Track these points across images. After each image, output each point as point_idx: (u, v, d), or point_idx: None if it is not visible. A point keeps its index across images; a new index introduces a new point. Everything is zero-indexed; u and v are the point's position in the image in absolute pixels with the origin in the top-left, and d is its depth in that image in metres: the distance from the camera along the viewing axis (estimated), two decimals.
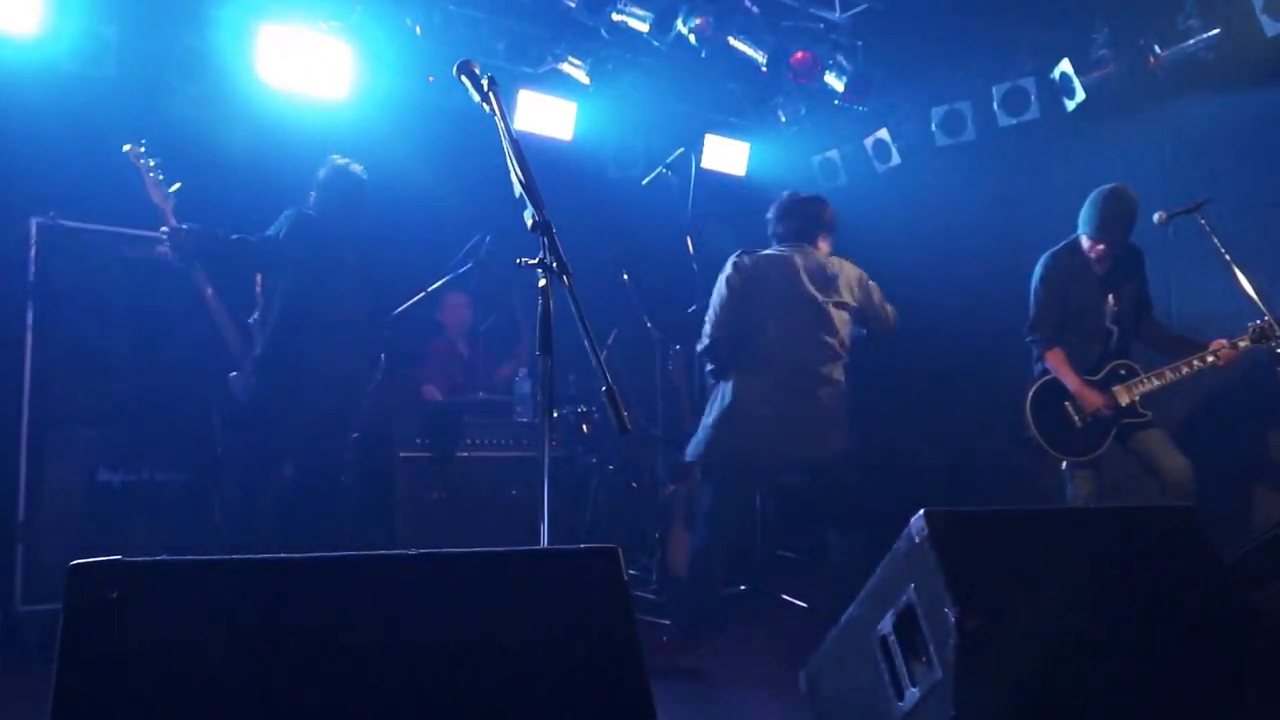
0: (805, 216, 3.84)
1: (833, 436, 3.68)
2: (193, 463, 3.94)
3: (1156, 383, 3.76)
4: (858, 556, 3.44)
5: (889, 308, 3.86)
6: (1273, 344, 3.48)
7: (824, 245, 3.85)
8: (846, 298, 3.75)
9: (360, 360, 4.00)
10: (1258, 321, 3.51)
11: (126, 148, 3.66)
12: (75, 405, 3.83)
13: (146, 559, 1.31)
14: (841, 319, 3.72)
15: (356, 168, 3.99)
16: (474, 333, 5.29)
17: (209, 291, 3.83)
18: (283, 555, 1.39)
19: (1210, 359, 3.64)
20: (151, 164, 3.66)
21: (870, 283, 3.84)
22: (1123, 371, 3.85)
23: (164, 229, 3.63)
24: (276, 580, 1.38)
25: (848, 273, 3.81)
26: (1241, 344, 3.55)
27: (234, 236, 3.69)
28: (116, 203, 3.89)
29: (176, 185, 3.68)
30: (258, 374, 3.81)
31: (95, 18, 4.13)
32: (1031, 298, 4.02)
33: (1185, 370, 3.71)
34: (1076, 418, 3.82)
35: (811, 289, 3.67)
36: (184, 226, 3.64)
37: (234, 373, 3.91)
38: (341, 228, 3.90)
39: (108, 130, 4.02)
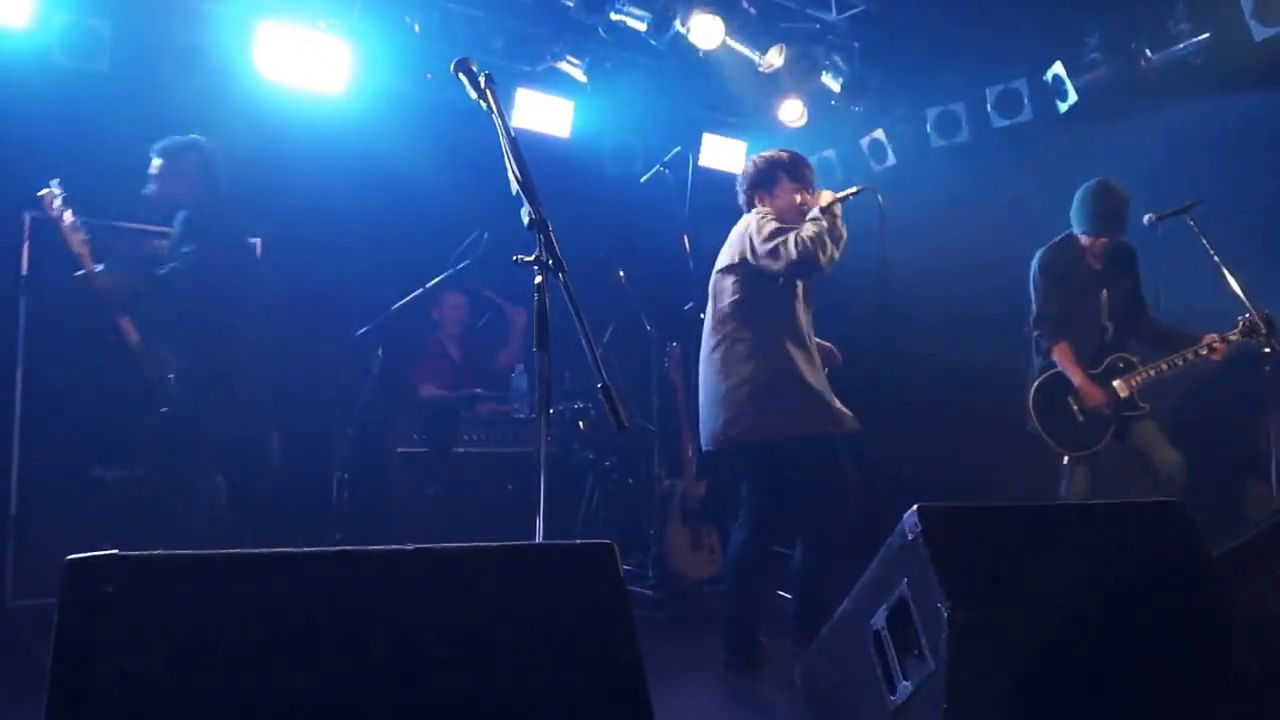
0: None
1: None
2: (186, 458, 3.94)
3: (1154, 375, 3.83)
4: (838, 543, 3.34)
5: (777, 242, 3.26)
6: (1261, 338, 3.53)
7: (760, 204, 3.50)
8: (724, 261, 3.47)
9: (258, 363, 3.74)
10: (1247, 315, 3.56)
11: (42, 192, 3.44)
12: (69, 400, 3.82)
13: (142, 553, 1.30)
14: (722, 288, 3.44)
15: (195, 138, 3.71)
16: (466, 333, 5.29)
17: (134, 337, 3.57)
18: (279, 550, 1.38)
19: (1204, 352, 3.69)
20: (66, 209, 3.43)
21: (753, 225, 3.38)
22: (1121, 365, 3.91)
23: (79, 273, 3.44)
24: (273, 575, 1.37)
25: (734, 232, 3.50)
26: (1232, 338, 3.61)
27: (161, 271, 3.46)
28: (110, 196, 3.89)
29: (82, 235, 3.47)
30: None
31: (88, 12, 4.13)
32: (1032, 291, 4.05)
33: (1180, 363, 3.78)
34: (1079, 412, 3.86)
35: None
36: (99, 269, 3.44)
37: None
38: (230, 214, 3.66)
39: (102, 124, 4.03)
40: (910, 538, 1.95)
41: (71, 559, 1.25)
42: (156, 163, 3.62)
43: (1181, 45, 4.89)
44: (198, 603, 1.31)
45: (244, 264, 3.68)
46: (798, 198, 3.48)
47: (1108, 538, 2.12)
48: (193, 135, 3.68)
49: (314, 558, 1.42)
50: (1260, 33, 4.50)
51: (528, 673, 1.44)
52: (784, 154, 3.58)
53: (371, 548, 1.45)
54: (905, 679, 1.93)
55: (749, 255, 3.33)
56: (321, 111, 4.69)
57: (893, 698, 1.95)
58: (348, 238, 5.03)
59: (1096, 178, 3.95)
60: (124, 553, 1.28)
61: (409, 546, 1.46)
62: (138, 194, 3.66)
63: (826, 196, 3.36)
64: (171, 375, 3.53)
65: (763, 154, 3.60)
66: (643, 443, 4.99)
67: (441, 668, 1.39)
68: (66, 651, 1.20)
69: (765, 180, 3.52)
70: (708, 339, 3.46)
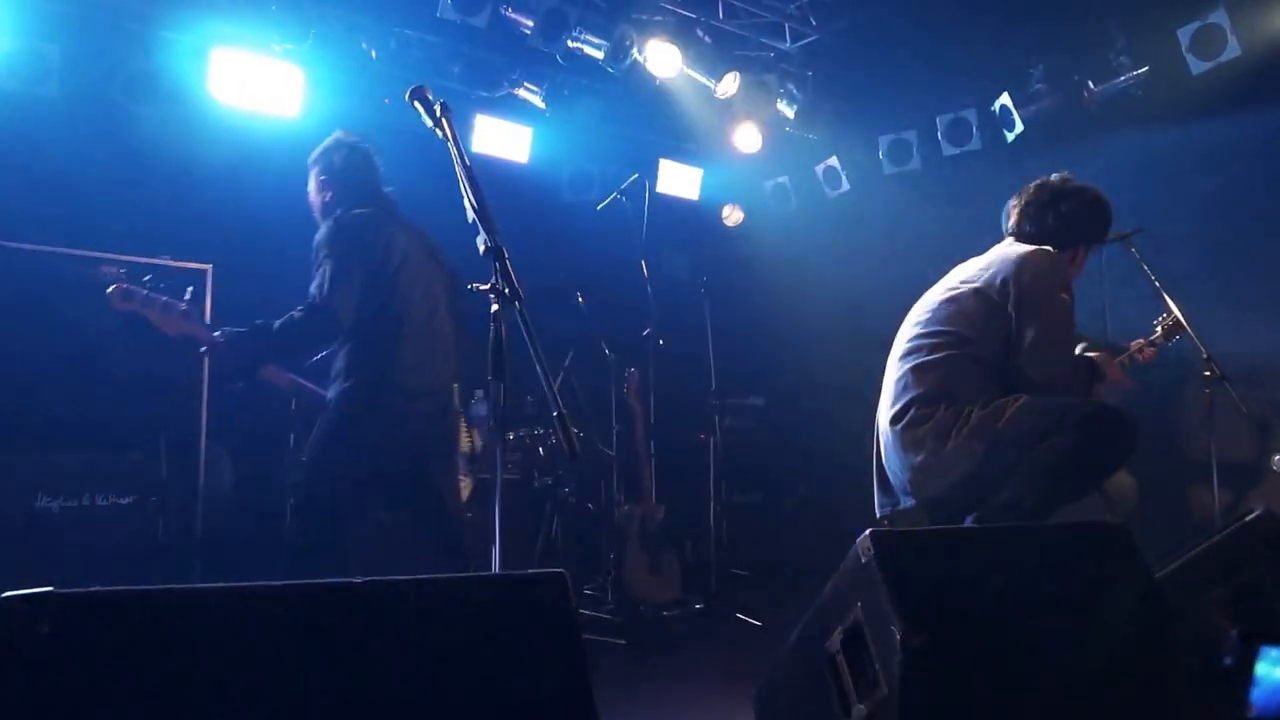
0: None
1: None
2: (136, 488, 3.85)
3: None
4: None
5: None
6: (1179, 336, 3.63)
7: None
8: None
9: (456, 370, 3.34)
10: (1163, 317, 3.65)
11: (111, 289, 2.97)
12: (13, 430, 3.72)
13: (80, 590, 1.26)
14: None
15: (344, 137, 3.40)
16: None
17: (289, 378, 3.28)
18: (222, 585, 1.35)
19: (1138, 357, 3.77)
20: (147, 293, 2.98)
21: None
22: None
23: (202, 349, 3.08)
24: (216, 611, 1.34)
25: None
26: (1155, 340, 3.67)
27: (276, 324, 3.01)
28: (57, 223, 3.81)
29: (189, 291, 3.10)
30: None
31: (36, 37, 4.07)
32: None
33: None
34: None
35: None
36: (219, 337, 3.04)
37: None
38: (380, 212, 3.24)
39: (50, 149, 3.96)
40: (864, 561, 1.97)
41: (5, 597, 1.20)
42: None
43: (1122, 78, 5.08)
44: (138, 641, 1.27)
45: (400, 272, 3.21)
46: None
47: (1056, 559, 2.16)
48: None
49: (262, 592, 1.39)
50: (1197, 66, 4.70)
51: (478, 705, 1.42)
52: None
53: (319, 581, 1.43)
54: (860, 702, 1.94)
55: None
56: (277, 135, 4.66)
57: None
58: (301, 262, 4.97)
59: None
60: (61, 590, 1.23)
61: (357, 580, 1.44)
62: (87, 219, 3.59)
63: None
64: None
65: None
66: (602, 468, 4.98)
67: (391, 702, 1.37)
68: (1, 694, 1.16)
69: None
70: None
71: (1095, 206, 3.01)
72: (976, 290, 2.81)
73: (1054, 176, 3.04)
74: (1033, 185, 3.04)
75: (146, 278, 3.06)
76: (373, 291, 3.09)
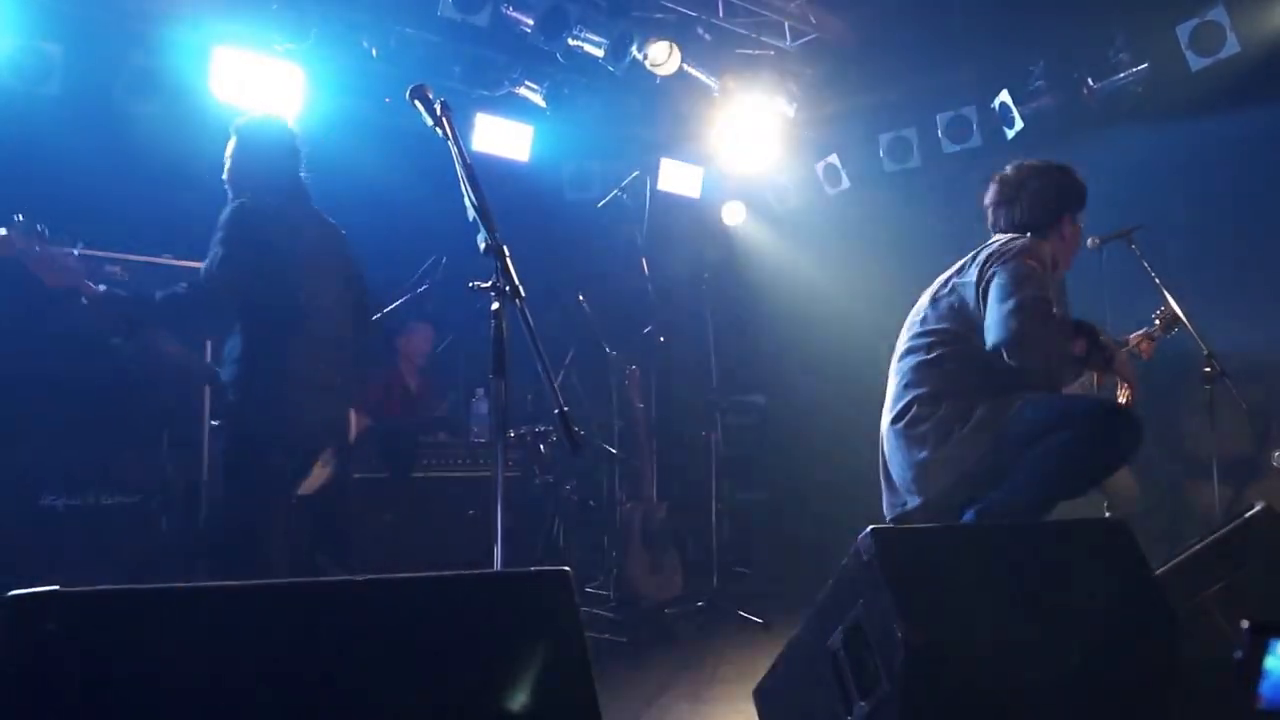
0: None
1: None
2: (140, 486, 3.86)
3: (1097, 379, 3.90)
4: None
5: None
6: (1176, 329, 3.63)
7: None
8: None
9: (347, 366, 3.36)
10: (1161, 309, 3.66)
11: (2, 232, 2.98)
12: (17, 427, 3.73)
13: (85, 589, 1.26)
14: None
15: (273, 117, 3.41)
16: (429, 364, 5.25)
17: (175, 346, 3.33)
18: (227, 584, 1.36)
19: (1136, 351, 3.77)
20: (40, 238, 3.00)
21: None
22: None
23: (83, 299, 3.07)
24: (221, 610, 1.34)
25: None
26: (1154, 334, 3.68)
27: (160, 295, 3.08)
28: (59, 221, 3.81)
29: (80, 245, 3.19)
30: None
31: (38, 36, 4.09)
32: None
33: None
34: None
35: None
36: (102, 290, 3.08)
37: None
38: (289, 202, 3.26)
39: (53, 147, 3.97)
40: (865, 559, 1.98)
41: (10, 595, 1.20)
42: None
43: (1122, 75, 5.08)
44: (143, 639, 1.27)
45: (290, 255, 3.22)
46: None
47: (1056, 557, 2.18)
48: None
49: (266, 590, 1.41)
50: (1196, 63, 4.70)
51: (482, 702, 1.43)
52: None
53: (323, 579, 1.44)
54: (861, 700, 1.95)
55: None
56: None
57: (849, 718, 1.98)
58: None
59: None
60: (66, 588, 1.23)
61: (361, 578, 1.45)
62: (89, 218, 3.60)
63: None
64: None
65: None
66: (604, 466, 5.00)
67: (396, 699, 1.38)
68: (6, 692, 1.17)
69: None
70: None
71: (1057, 175, 2.98)
72: (961, 284, 2.83)
73: (1007, 169, 3.02)
74: (992, 186, 3.02)
75: (40, 227, 3.07)
76: (267, 281, 3.12)
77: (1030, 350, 2.58)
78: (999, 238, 2.89)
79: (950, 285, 2.86)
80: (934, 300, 2.90)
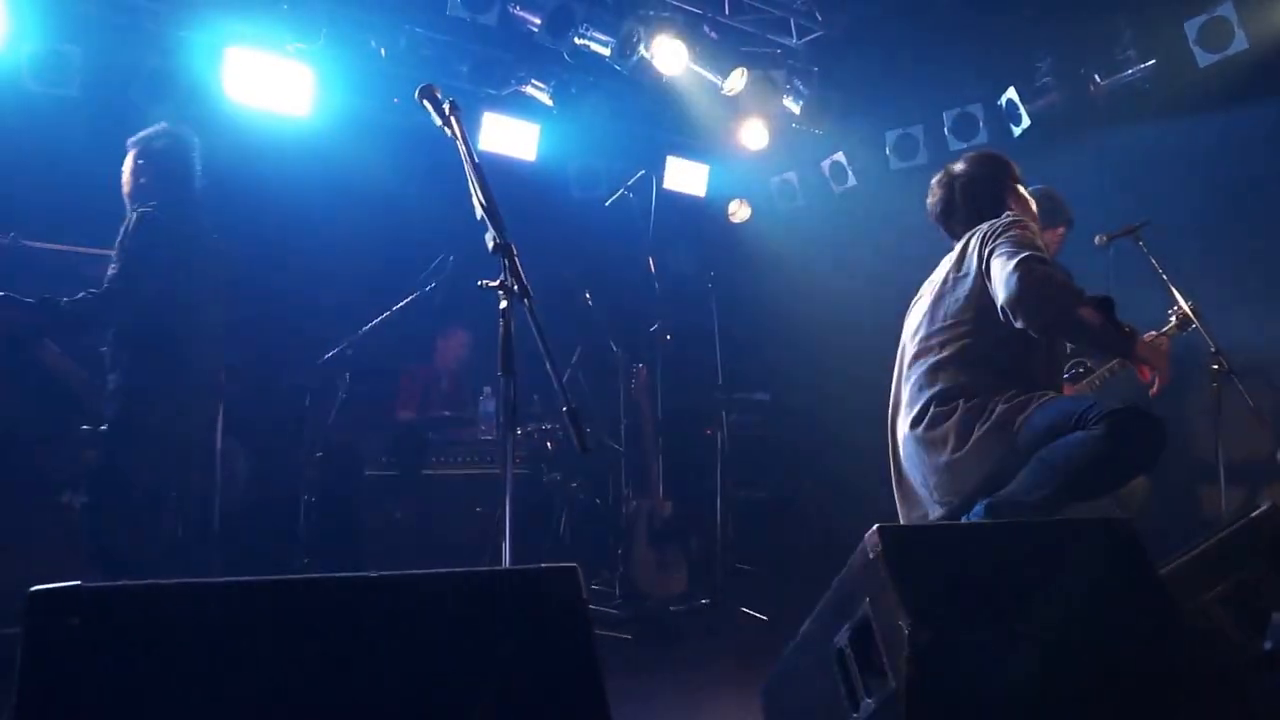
0: None
1: None
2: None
3: (1109, 375, 3.90)
4: None
5: None
6: (1193, 327, 3.63)
7: None
8: None
9: (215, 376, 3.46)
10: (1176, 308, 3.66)
11: None
12: (38, 427, 3.77)
13: (107, 584, 1.29)
14: None
15: (172, 132, 3.43)
16: (464, 369, 5.27)
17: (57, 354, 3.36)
18: (243, 579, 1.37)
19: None
20: None
21: None
22: (1081, 370, 3.99)
23: None
24: (237, 604, 1.37)
25: None
26: (1169, 331, 3.68)
27: (64, 301, 3.14)
28: (79, 223, 3.86)
29: (10, 235, 3.27)
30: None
31: (58, 38, 4.14)
32: None
33: (1129, 363, 3.85)
34: None
35: None
36: (1, 295, 3.12)
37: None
38: (191, 224, 3.30)
39: (72, 149, 4.01)
40: (871, 556, 1.99)
41: (35, 590, 1.23)
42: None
43: (1129, 71, 5.07)
44: (164, 634, 1.30)
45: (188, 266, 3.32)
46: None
47: (1062, 555, 2.18)
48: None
49: (280, 586, 1.42)
50: (1204, 59, 4.68)
51: (492, 697, 1.44)
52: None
53: (336, 575, 1.45)
54: (868, 697, 1.97)
55: None
56: (288, 134, 4.70)
57: (856, 715, 1.99)
58: (315, 260, 5.03)
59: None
60: (89, 584, 1.26)
61: (373, 574, 1.47)
62: (108, 217, 3.63)
63: None
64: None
65: None
66: (610, 463, 5.02)
67: (406, 694, 1.39)
68: (31, 685, 1.19)
69: None
70: None
71: (980, 162, 2.99)
72: (962, 277, 2.79)
73: (933, 180, 3.05)
74: (928, 200, 3.05)
75: None
76: (156, 295, 3.19)
77: (1035, 302, 2.49)
78: (980, 227, 2.84)
79: (952, 282, 2.83)
80: (937, 300, 2.86)
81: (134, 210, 3.27)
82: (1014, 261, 2.52)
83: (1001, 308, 2.56)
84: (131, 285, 3.16)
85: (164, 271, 3.21)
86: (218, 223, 3.50)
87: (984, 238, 2.73)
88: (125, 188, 3.39)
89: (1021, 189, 2.98)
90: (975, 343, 2.73)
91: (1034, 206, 3.00)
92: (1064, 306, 2.58)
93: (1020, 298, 2.48)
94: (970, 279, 2.75)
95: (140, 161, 3.36)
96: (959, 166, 3.00)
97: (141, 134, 3.39)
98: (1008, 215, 2.79)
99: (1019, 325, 2.55)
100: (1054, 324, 2.63)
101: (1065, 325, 2.68)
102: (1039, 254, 2.56)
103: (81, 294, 3.18)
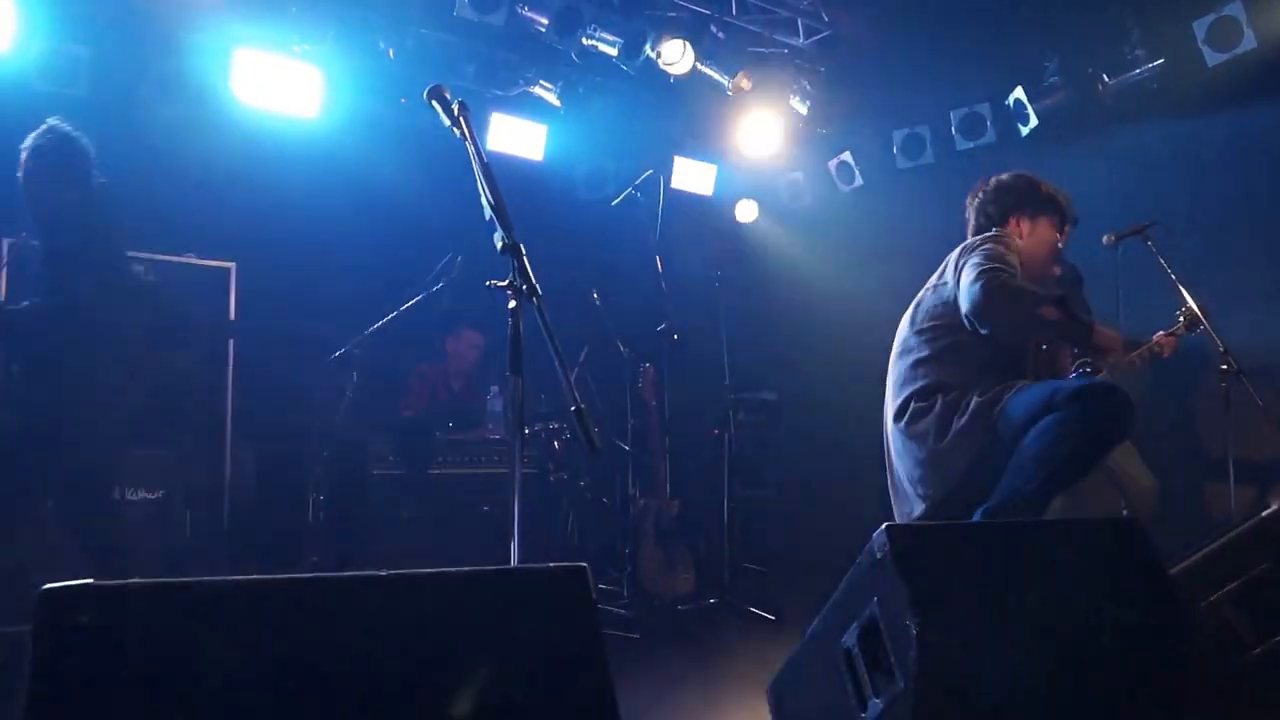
0: None
1: None
2: (164, 483, 3.92)
3: (1117, 376, 3.89)
4: None
5: None
6: (1202, 327, 3.63)
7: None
8: None
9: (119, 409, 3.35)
10: (1185, 308, 3.66)
11: None
12: (44, 428, 3.78)
13: (117, 582, 1.30)
14: None
15: (54, 131, 3.24)
16: (476, 371, 5.27)
17: None
18: (253, 578, 1.38)
19: (1156, 349, 3.77)
20: None
21: None
22: (1088, 369, 3.98)
23: None
24: (247, 603, 1.37)
25: None
26: (1177, 331, 3.68)
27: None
28: None
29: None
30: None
31: (67, 38, 4.16)
32: None
33: (1138, 362, 3.84)
34: None
35: None
36: None
37: None
38: (79, 246, 3.17)
39: None
40: (879, 556, 1.99)
41: (46, 588, 1.23)
42: None
43: (1137, 71, 5.05)
44: (173, 632, 1.31)
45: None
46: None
47: (1070, 554, 2.18)
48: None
49: (289, 584, 1.43)
50: (1213, 58, 4.67)
51: (500, 697, 1.44)
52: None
53: (345, 574, 1.46)
54: (876, 696, 1.97)
55: None
56: (297, 135, 4.72)
57: (863, 715, 1.99)
58: (323, 260, 5.05)
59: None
60: (99, 582, 1.27)
61: (382, 572, 1.47)
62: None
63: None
64: None
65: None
66: (617, 463, 5.02)
67: (414, 693, 1.40)
68: (41, 682, 1.20)
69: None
70: None
71: (1007, 182, 3.21)
72: (941, 284, 2.97)
73: (991, 180, 3.26)
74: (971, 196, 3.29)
75: None
76: (48, 324, 3.16)
77: (994, 312, 2.68)
78: (968, 239, 3.09)
79: (934, 287, 3.02)
80: (917, 304, 3.05)
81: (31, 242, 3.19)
82: (976, 273, 2.72)
83: (965, 316, 2.75)
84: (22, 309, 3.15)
85: (50, 300, 3.14)
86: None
87: (964, 249, 2.94)
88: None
89: (1036, 222, 3.13)
90: (953, 341, 2.88)
91: (1045, 237, 3.14)
92: (1024, 311, 2.76)
93: (981, 308, 2.68)
94: (949, 286, 2.93)
95: (27, 169, 3.21)
96: (988, 189, 3.23)
97: (31, 138, 3.23)
98: (994, 231, 3.01)
99: (984, 333, 2.75)
100: (1016, 330, 2.83)
101: (1028, 328, 2.86)
102: (1004, 268, 2.74)
103: (21, 304, 3.17)
